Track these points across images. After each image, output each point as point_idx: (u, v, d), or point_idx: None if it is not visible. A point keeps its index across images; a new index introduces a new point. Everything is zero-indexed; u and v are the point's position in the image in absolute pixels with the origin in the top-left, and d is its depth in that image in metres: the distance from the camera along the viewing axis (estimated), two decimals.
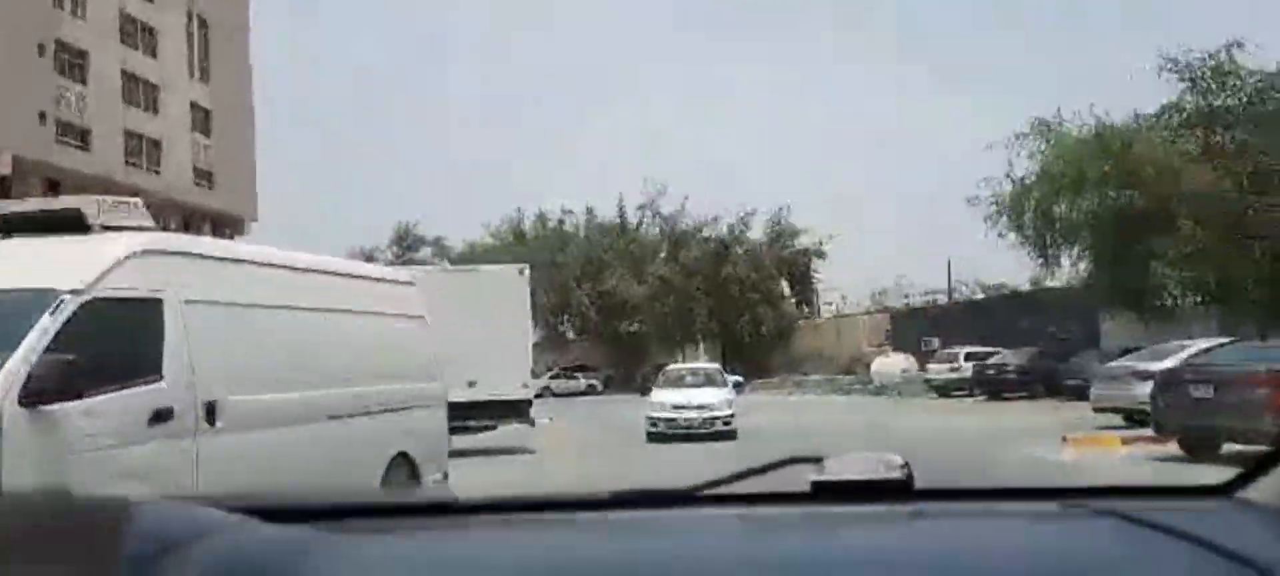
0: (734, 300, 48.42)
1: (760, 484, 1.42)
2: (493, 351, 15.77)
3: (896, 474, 1.40)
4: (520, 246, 52.33)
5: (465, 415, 13.23)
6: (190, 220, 45.65)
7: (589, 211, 55.09)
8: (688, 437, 17.43)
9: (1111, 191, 28.64)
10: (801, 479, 1.41)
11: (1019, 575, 1.17)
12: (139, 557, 1.01)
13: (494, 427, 16.38)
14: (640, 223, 53.92)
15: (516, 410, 16.82)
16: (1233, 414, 11.90)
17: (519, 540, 1.32)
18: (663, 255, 50.99)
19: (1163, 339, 21.52)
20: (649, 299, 49.25)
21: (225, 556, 1.08)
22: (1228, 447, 12.22)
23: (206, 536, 1.10)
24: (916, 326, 41.87)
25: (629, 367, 48.90)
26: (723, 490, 1.43)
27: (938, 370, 34.74)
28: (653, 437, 18.06)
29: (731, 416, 18.26)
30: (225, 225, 50.06)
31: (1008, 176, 30.77)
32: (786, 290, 52.37)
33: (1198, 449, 12.65)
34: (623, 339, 52.20)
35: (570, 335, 56.38)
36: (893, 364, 38.32)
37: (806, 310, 52.82)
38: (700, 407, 18.35)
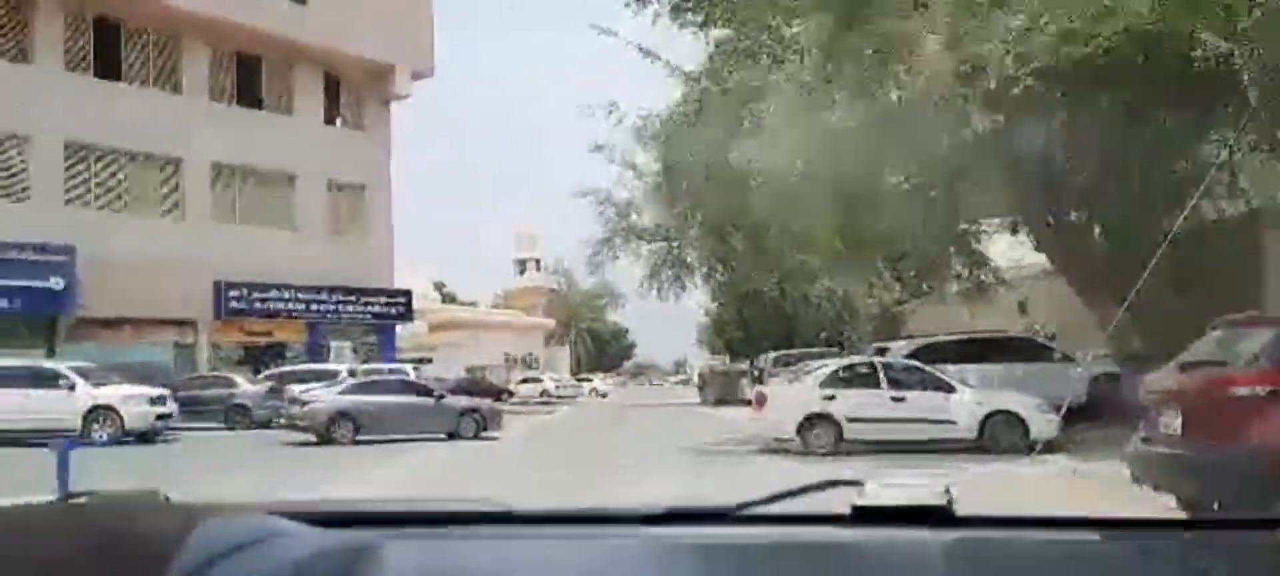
0: None
1: (799, 505, 1.42)
2: None
3: (939, 499, 1.38)
4: None
5: None
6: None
7: None
8: None
9: None
10: (841, 501, 1.41)
11: None
12: (196, 564, 1.04)
13: None
14: None
15: None
16: None
17: (563, 552, 1.34)
18: None
19: None
20: None
21: (283, 561, 1.13)
22: None
23: (262, 542, 1.15)
24: None
25: None
26: (761, 510, 1.44)
27: None
28: None
29: None
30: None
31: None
32: None
33: None
34: None
35: None
36: None
37: None
38: None
